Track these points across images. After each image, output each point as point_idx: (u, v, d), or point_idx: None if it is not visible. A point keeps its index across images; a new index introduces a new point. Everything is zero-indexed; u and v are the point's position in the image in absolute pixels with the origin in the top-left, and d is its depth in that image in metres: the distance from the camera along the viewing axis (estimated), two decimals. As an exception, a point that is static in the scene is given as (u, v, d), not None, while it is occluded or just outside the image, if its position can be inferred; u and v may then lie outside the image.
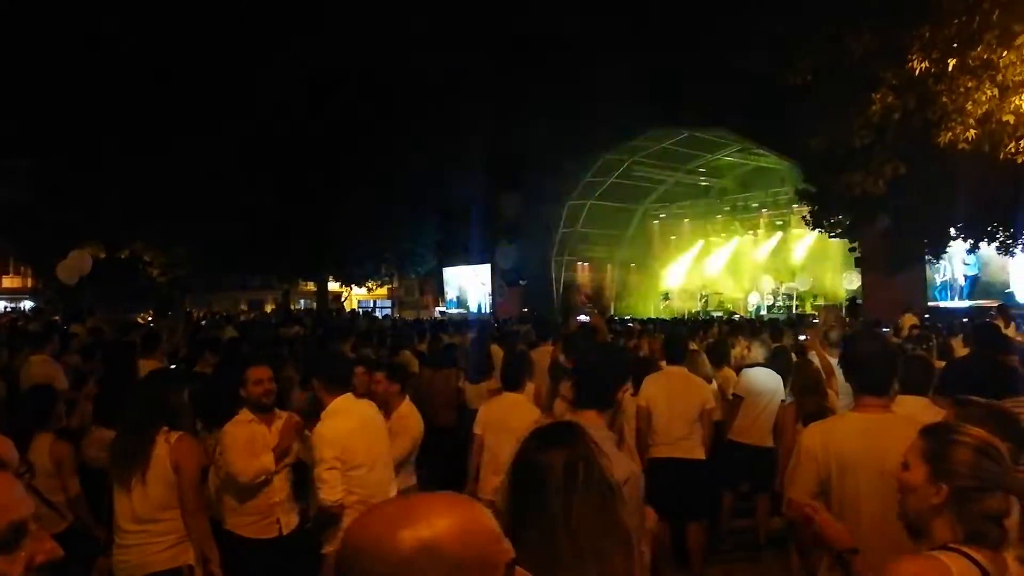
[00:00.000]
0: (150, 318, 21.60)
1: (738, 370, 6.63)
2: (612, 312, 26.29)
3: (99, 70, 18.85)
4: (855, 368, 2.91)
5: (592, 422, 2.45)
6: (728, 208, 27.84)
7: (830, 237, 18.09)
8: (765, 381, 6.18)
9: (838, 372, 5.45)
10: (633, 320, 17.94)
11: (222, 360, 6.51)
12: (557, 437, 1.67)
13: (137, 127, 19.83)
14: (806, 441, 2.92)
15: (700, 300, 26.55)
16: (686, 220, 29.15)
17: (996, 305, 16.63)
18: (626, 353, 2.38)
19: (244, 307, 34.70)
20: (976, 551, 1.68)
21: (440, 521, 0.87)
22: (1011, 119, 8.63)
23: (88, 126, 19.57)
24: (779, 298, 25.10)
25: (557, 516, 1.52)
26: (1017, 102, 8.52)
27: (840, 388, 5.53)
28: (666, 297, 27.88)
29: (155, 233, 22.46)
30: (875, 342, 2.98)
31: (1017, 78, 8.40)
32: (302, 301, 35.64)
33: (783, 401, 6.09)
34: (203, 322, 17.18)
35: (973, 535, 1.71)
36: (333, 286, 29.98)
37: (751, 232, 27.47)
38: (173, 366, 7.92)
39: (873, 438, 2.71)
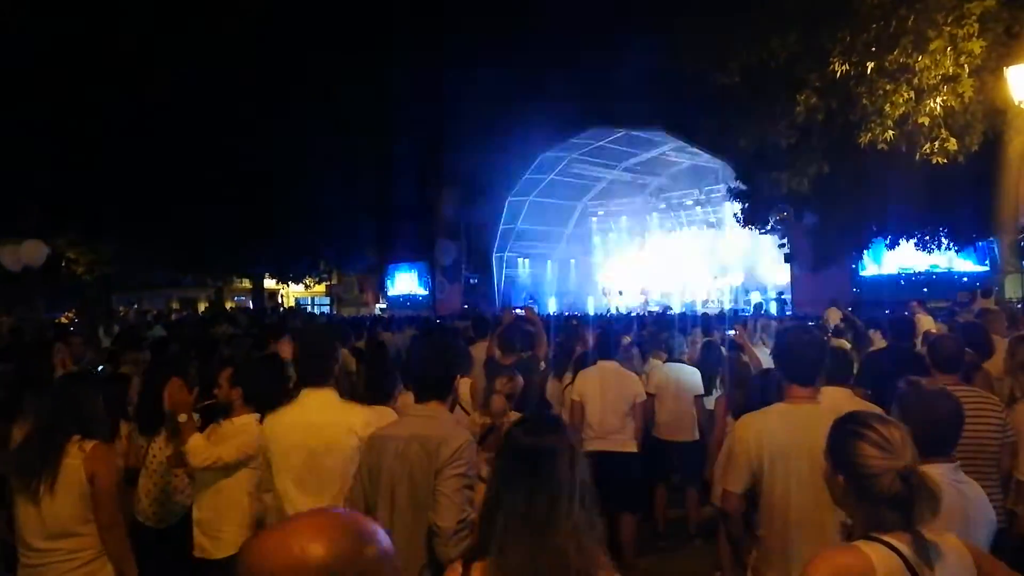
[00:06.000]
0: (74, 318, 20.73)
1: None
2: (552, 308, 26.50)
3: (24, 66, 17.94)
4: (785, 358, 2.97)
5: (436, 411, 2.74)
6: (664, 205, 28.42)
7: (760, 234, 18.61)
8: (676, 377, 6.30)
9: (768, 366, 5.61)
10: (572, 315, 18.08)
11: (152, 362, 6.29)
12: (554, 426, 1.94)
13: (59, 121, 18.94)
14: (739, 432, 2.94)
15: (640, 296, 26.99)
16: (624, 217, 29.62)
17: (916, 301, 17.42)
18: (457, 345, 2.55)
19: (176, 306, 33.61)
20: (895, 537, 1.70)
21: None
22: (926, 120, 9.00)
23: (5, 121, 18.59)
24: (713, 293, 25.71)
25: (564, 486, 1.75)
26: (931, 104, 8.89)
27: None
28: (605, 293, 28.28)
29: (81, 228, 21.44)
30: (806, 334, 3.05)
31: (931, 82, 8.77)
32: (237, 298, 34.67)
33: (701, 395, 6.23)
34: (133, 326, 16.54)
35: (873, 520, 1.75)
36: (269, 283, 29.23)
37: (687, 228, 28.07)
38: (100, 367, 7.65)
39: (802, 430, 2.73)
